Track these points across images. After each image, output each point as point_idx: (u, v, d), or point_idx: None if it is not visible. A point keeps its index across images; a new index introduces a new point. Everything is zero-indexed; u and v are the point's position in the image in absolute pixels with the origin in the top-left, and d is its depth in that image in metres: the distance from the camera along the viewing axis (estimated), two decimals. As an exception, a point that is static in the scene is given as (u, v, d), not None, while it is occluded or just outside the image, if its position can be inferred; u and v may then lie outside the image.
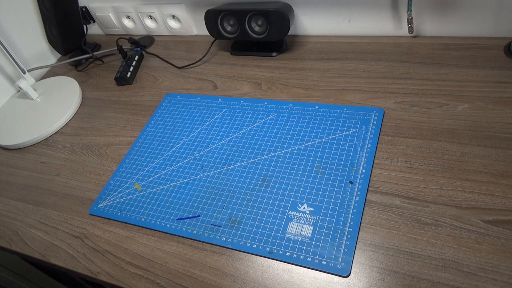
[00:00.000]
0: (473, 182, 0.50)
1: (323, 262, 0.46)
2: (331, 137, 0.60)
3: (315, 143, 0.60)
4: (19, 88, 0.83)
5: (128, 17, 0.98)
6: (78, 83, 0.88)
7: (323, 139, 0.60)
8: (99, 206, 0.61)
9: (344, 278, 0.45)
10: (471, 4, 0.66)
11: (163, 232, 0.55)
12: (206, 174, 0.61)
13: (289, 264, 0.48)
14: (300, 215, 0.52)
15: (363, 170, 0.54)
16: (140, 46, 0.94)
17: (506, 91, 0.59)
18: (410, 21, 0.70)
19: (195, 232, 0.54)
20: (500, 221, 0.45)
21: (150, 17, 0.95)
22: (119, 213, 0.59)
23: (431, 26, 0.72)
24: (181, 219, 0.56)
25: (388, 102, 0.63)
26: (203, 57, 0.85)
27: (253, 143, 0.63)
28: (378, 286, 0.44)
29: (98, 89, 0.87)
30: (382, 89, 0.66)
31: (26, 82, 0.84)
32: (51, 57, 1.01)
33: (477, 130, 0.55)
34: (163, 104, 0.77)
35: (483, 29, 0.69)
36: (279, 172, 0.58)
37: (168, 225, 0.55)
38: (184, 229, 0.54)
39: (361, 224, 0.49)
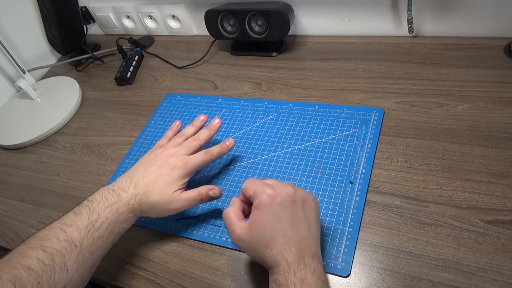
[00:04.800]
0: (473, 182, 0.50)
1: (323, 262, 0.46)
2: (331, 137, 0.60)
3: (315, 143, 0.60)
4: (19, 88, 0.83)
5: (128, 17, 0.98)
6: (78, 83, 0.88)
7: (323, 139, 0.60)
8: (99, 206, 0.61)
9: (344, 278, 0.45)
10: (471, 4, 0.66)
11: (163, 232, 0.55)
12: (206, 174, 0.61)
13: (289, 264, 0.48)
14: (300, 215, 0.52)
15: (363, 170, 0.54)
16: (140, 46, 0.94)
17: (506, 91, 0.59)
18: (410, 21, 0.70)
19: (195, 232, 0.54)
20: (500, 221, 0.45)
21: (150, 17, 0.95)
22: (119, 213, 0.59)
23: (431, 26, 0.72)
24: (181, 219, 0.56)
25: (388, 102, 0.63)
26: (203, 57, 0.85)
27: (253, 143, 0.63)
28: (378, 286, 0.44)
29: (98, 89, 0.87)
30: (382, 89, 0.66)
31: (26, 82, 0.84)
32: (51, 57, 1.01)
33: (477, 130, 0.55)
34: (163, 104, 0.77)
35: (483, 29, 0.69)
36: (279, 172, 0.58)
37: (168, 225, 0.55)
38: (184, 229, 0.54)
39: (361, 224, 0.49)
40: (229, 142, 0.56)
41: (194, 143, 0.54)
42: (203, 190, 0.50)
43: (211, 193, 0.50)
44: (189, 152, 0.53)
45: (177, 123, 0.60)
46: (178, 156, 0.51)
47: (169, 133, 0.58)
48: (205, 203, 0.53)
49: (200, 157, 0.52)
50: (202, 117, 0.59)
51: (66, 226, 0.43)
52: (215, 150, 0.54)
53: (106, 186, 0.49)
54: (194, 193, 0.49)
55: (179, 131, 0.59)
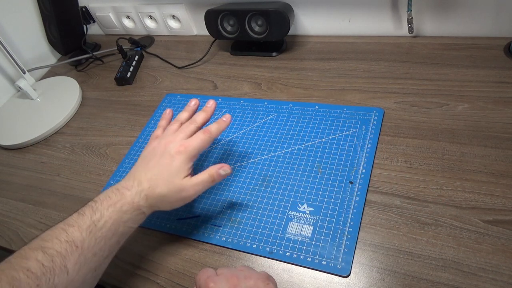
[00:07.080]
0: (473, 182, 0.50)
1: (323, 262, 0.46)
2: (331, 137, 0.60)
3: (315, 143, 0.60)
4: (19, 88, 0.83)
5: (128, 17, 0.98)
6: (78, 83, 0.88)
7: (323, 139, 0.60)
8: (99, 206, 0.61)
9: (344, 278, 0.45)
10: (471, 4, 0.66)
11: (163, 232, 0.55)
12: (206, 174, 0.61)
13: (289, 264, 0.48)
14: (300, 215, 0.52)
15: (363, 170, 0.54)
16: (140, 46, 0.94)
17: (506, 91, 0.59)
18: (410, 21, 0.70)
19: (195, 232, 0.54)
20: (500, 221, 0.45)
21: (150, 17, 0.95)
22: (119, 213, 0.59)
23: (431, 26, 0.72)
24: (181, 219, 0.56)
25: (388, 102, 0.63)
26: (203, 57, 0.85)
27: (253, 143, 0.63)
28: (378, 286, 0.44)
29: (98, 89, 0.87)
30: (382, 89, 0.66)
31: (26, 82, 0.84)
32: (51, 57, 1.01)
33: (477, 130, 0.55)
34: (163, 104, 0.77)
35: (483, 29, 0.69)
36: (279, 172, 0.58)
37: (168, 225, 0.55)
38: (184, 229, 0.54)
39: (361, 224, 0.49)
40: (226, 117, 0.52)
41: (191, 126, 0.51)
42: (213, 170, 0.48)
43: (221, 171, 0.48)
44: (187, 136, 0.50)
45: (168, 110, 0.57)
46: (177, 142, 0.49)
47: (163, 122, 0.55)
48: (217, 183, 0.50)
49: (199, 138, 0.49)
50: (194, 101, 0.56)
51: (69, 226, 0.42)
52: (213, 127, 0.51)
53: (111, 186, 0.47)
54: (205, 175, 0.47)
55: (172, 118, 0.56)
